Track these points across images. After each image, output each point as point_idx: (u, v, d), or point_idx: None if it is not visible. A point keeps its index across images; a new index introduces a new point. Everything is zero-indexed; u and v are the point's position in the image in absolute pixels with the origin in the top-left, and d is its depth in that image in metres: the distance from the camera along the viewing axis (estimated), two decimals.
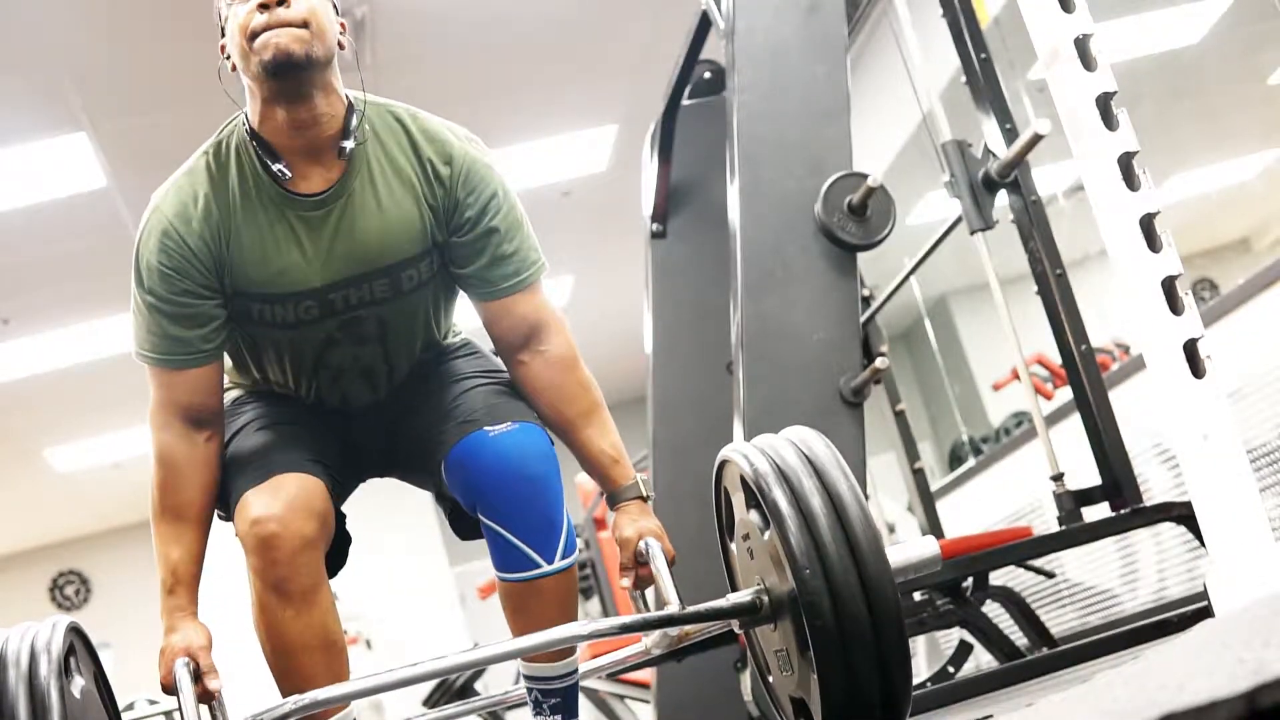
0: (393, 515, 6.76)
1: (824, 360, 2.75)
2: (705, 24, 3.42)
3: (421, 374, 2.01)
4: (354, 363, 1.95)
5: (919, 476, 4.05)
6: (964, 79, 2.96)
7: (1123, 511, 2.71)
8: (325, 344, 1.92)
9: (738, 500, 1.73)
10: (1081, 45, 1.98)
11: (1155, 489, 3.71)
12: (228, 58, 1.84)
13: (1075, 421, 2.88)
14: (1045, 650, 2.98)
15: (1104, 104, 1.95)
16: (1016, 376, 4.28)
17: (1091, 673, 2.16)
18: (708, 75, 3.88)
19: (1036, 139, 2.65)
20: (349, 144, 1.83)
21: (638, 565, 1.88)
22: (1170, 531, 3.74)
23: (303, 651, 1.79)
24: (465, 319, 2.10)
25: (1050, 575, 3.84)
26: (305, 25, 1.77)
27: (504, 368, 2.02)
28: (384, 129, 1.88)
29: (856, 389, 2.73)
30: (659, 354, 3.80)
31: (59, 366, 7.42)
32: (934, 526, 3.99)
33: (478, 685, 5.45)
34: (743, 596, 1.71)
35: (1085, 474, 2.80)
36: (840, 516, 1.55)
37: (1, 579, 10.20)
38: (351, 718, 1.86)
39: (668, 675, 3.51)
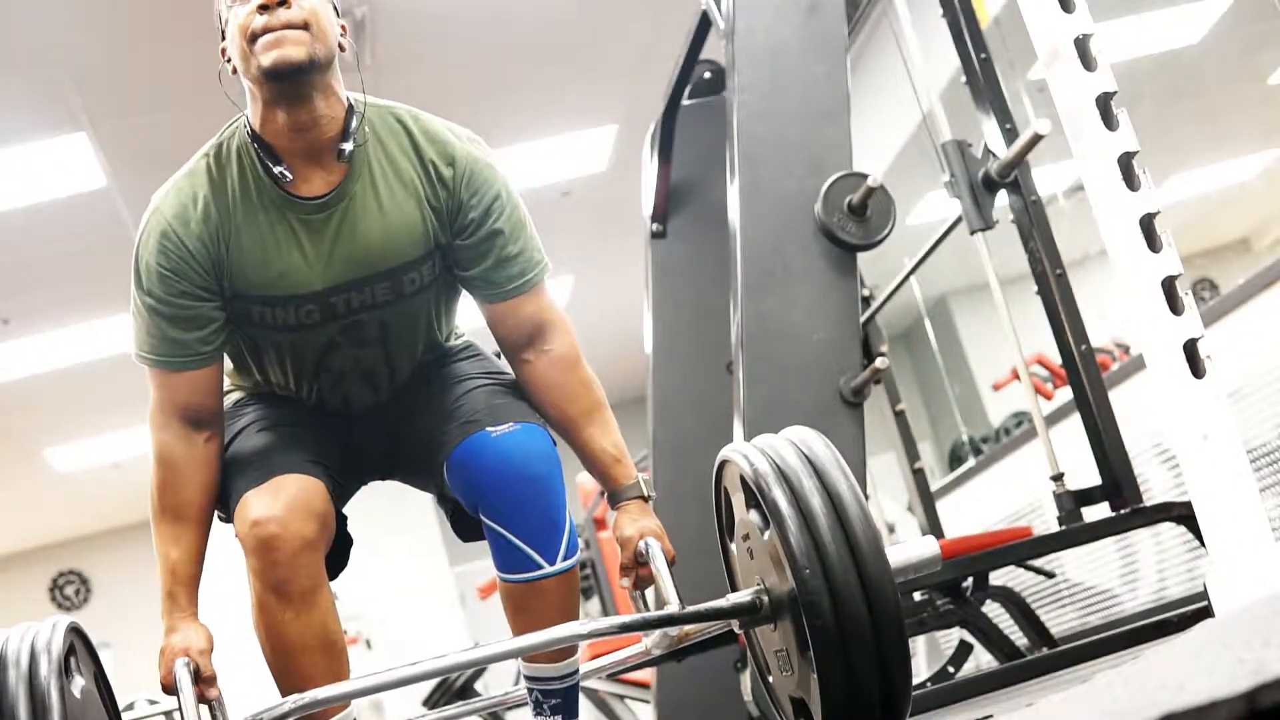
0: (393, 516, 6.77)
1: (824, 360, 2.75)
2: (705, 24, 3.42)
3: (423, 376, 2.01)
4: (355, 365, 1.95)
5: (919, 476, 4.05)
6: (964, 79, 2.96)
7: (1123, 511, 2.71)
8: (326, 347, 1.92)
9: (737, 500, 1.73)
10: (1081, 45, 1.98)
11: (1155, 489, 3.71)
12: (228, 60, 1.84)
13: (1075, 421, 2.88)
14: (1045, 650, 2.98)
15: (1104, 104, 1.95)
16: (1016, 376, 4.28)
17: (1091, 673, 2.16)
18: (708, 75, 3.88)
19: (1036, 139, 2.65)
20: (348, 146, 1.82)
21: (638, 565, 1.88)
22: (1170, 531, 3.74)
23: (303, 652, 1.79)
24: (466, 319, 2.10)
25: (1050, 575, 3.84)
26: (306, 27, 1.77)
27: (506, 369, 2.02)
28: (385, 131, 1.88)
29: (856, 389, 2.73)
30: (659, 354, 3.80)
31: (59, 366, 7.42)
32: (934, 526, 3.99)
33: (478, 686, 5.45)
34: (743, 596, 1.71)
35: (1085, 474, 2.80)
36: (840, 516, 1.55)
37: (1, 579, 10.20)
38: (352, 718, 1.87)
39: (668, 675, 3.51)
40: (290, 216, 1.84)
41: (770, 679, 1.77)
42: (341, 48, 1.84)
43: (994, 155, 2.82)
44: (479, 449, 1.85)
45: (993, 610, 3.30)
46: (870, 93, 5.14)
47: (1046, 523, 4.21)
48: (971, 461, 5.78)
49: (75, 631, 1.67)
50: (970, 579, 2.96)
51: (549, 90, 5.91)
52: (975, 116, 2.93)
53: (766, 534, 1.61)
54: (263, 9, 1.76)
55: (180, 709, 1.71)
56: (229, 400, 2.01)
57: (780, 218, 2.84)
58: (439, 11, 5.16)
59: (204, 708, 1.76)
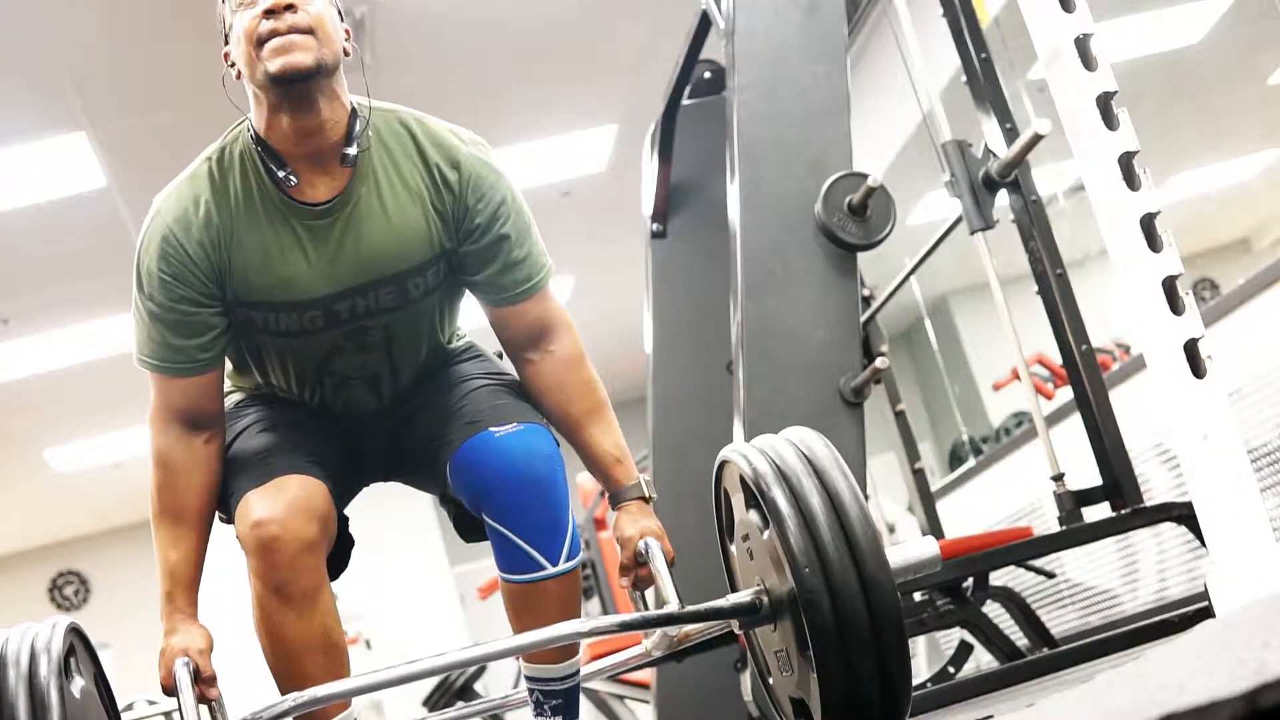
0: (394, 516, 6.77)
1: (824, 360, 2.75)
2: (705, 24, 3.42)
3: (425, 377, 2.01)
4: (359, 370, 1.94)
5: (919, 476, 4.05)
6: (964, 79, 2.96)
7: (1123, 512, 2.71)
8: (330, 352, 1.91)
9: (737, 501, 1.72)
10: (1082, 45, 1.98)
11: (1155, 489, 3.71)
12: (232, 65, 1.83)
13: (1075, 421, 2.88)
14: (1045, 650, 2.98)
15: (1104, 104, 1.95)
16: (1017, 376, 4.28)
17: (1092, 673, 2.16)
18: (708, 75, 3.87)
19: (1037, 139, 2.65)
20: (352, 151, 1.81)
21: (637, 565, 1.88)
22: (1171, 531, 3.74)
23: (304, 654, 1.79)
24: (467, 319, 2.10)
25: (1050, 575, 3.84)
26: (312, 32, 1.76)
27: (507, 369, 2.02)
28: (389, 135, 1.87)
29: (856, 389, 2.73)
30: (659, 354, 3.80)
31: (59, 366, 7.42)
32: (934, 526, 3.99)
33: (479, 689, 5.45)
34: (742, 597, 1.71)
35: (1085, 474, 2.80)
36: (840, 517, 1.55)
37: (1, 579, 10.20)
38: (353, 718, 1.86)
39: (668, 675, 3.51)
40: (294, 222, 1.83)
41: (770, 679, 1.77)
42: (346, 52, 1.83)
43: (994, 155, 2.81)
44: (482, 449, 1.85)
45: (993, 610, 3.30)
46: (870, 93, 5.14)
47: (1047, 523, 4.21)
48: (972, 461, 5.78)
49: (75, 632, 1.67)
50: (970, 579, 2.96)
51: (549, 90, 5.91)
52: (975, 116, 2.93)
53: (766, 534, 1.61)
54: (269, 14, 1.75)
55: (180, 709, 1.71)
56: (230, 400, 2.00)
57: (780, 218, 2.84)
58: (439, 11, 5.16)
59: (204, 708, 1.76)
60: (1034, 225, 2.80)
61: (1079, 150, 1.99)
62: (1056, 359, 3.57)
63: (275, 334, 1.88)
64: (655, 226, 3.87)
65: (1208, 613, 1.99)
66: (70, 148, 5.41)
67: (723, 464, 1.78)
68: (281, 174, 1.80)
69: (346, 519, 1.99)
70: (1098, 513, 2.78)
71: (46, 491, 9.39)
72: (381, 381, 1.97)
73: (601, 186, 6.88)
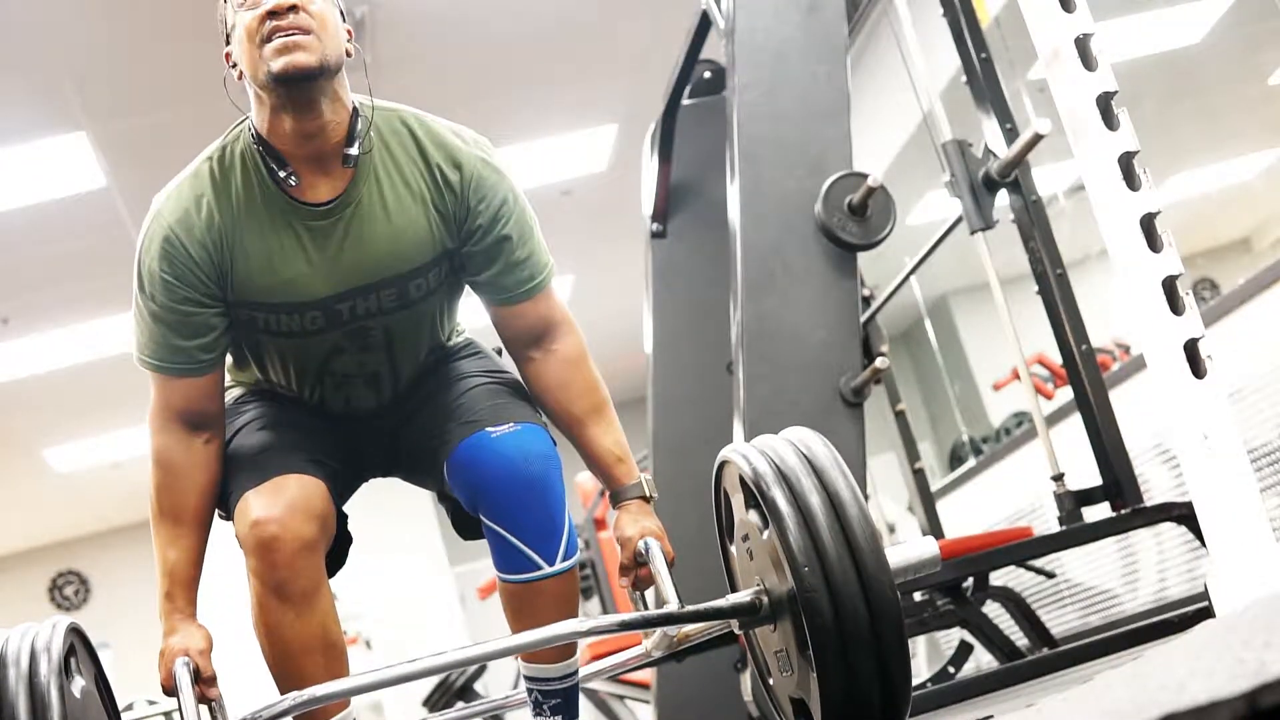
0: (393, 515, 6.76)
1: (824, 360, 2.75)
2: (705, 24, 3.43)
3: (425, 375, 2.01)
4: (359, 370, 1.94)
5: (919, 476, 4.05)
6: (964, 79, 2.96)
7: (1123, 511, 2.71)
8: (330, 352, 1.91)
9: (737, 501, 1.72)
10: (1082, 45, 1.98)
11: (1155, 489, 3.71)
12: (233, 65, 1.83)
13: (1075, 421, 2.88)
14: (1045, 650, 2.98)
15: (1104, 104, 1.95)
16: (1017, 376, 4.28)
17: (1092, 673, 2.16)
18: (708, 75, 3.88)
19: (1037, 139, 2.65)
20: (354, 151, 1.81)
21: (637, 565, 1.88)
22: (1171, 531, 3.74)
23: (303, 653, 1.79)
24: (467, 319, 2.10)
25: (1050, 575, 3.84)
26: (315, 33, 1.76)
27: (507, 368, 2.02)
28: (391, 135, 1.86)
29: (856, 389, 2.73)
30: (659, 354, 3.80)
31: (59, 366, 7.42)
32: (934, 526, 3.99)
33: (479, 690, 5.45)
34: (742, 597, 1.71)
35: (1086, 474, 2.80)
36: (839, 517, 1.55)
37: (1, 579, 10.20)
38: (352, 718, 1.86)
39: (668, 675, 3.51)
40: (295, 222, 1.82)
41: (770, 679, 1.77)
42: (348, 53, 1.83)
43: (994, 155, 2.82)
44: (479, 449, 1.85)
45: (993, 610, 3.30)
46: (870, 93, 5.14)
47: (1047, 523, 4.21)
48: (972, 461, 5.78)
49: (75, 632, 1.67)
50: (970, 579, 2.96)
51: (549, 90, 5.91)
52: (975, 116, 2.93)
53: (766, 534, 1.61)
54: (272, 14, 1.75)
55: (180, 709, 1.71)
56: (230, 395, 2.00)
57: (780, 218, 2.84)
58: (439, 11, 5.16)
59: (204, 708, 1.76)
60: (1034, 225, 2.81)
61: (1079, 150, 1.99)
62: (1056, 359, 3.57)
63: (275, 334, 1.88)
64: (655, 226, 3.87)
65: (1208, 613, 1.99)
66: (70, 147, 5.41)
67: (722, 464, 1.78)
68: (283, 174, 1.80)
69: (345, 516, 1.98)
70: (1098, 513, 2.78)
71: (46, 491, 9.39)
72: (382, 380, 1.97)
73: (602, 186, 6.88)
